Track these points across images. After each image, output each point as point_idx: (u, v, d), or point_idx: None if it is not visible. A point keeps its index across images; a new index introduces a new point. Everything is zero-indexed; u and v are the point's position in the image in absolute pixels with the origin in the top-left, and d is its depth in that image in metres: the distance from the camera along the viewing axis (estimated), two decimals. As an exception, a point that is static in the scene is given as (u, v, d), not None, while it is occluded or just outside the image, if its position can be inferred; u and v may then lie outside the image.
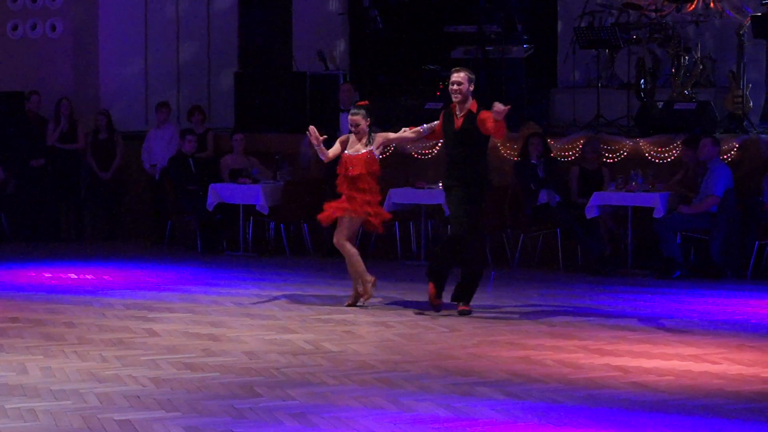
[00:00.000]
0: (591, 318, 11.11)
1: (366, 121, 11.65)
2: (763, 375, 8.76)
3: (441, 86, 17.42)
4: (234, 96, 17.60)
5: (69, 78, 17.78)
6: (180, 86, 18.81)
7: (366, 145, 11.59)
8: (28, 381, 8.58)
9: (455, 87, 11.09)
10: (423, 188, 14.65)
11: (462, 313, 11.20)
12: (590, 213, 13.89)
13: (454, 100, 11.17)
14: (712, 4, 16.05)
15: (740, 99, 15.23)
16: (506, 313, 11.37)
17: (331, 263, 14.76)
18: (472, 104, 11.13)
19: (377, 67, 18.62)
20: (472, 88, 11.15)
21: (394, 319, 11.03)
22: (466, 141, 11.08)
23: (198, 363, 9.19)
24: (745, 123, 15.12)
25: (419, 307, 11.53)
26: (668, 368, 8.96)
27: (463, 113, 11.13)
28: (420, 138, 11.81)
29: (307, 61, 18.24)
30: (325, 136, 11.75)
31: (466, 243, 11.15)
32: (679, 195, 13.88)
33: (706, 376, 8.74)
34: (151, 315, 11.23)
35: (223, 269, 14.25)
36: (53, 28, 17.84)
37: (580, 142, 14.96)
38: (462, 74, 11.11)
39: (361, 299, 11.65)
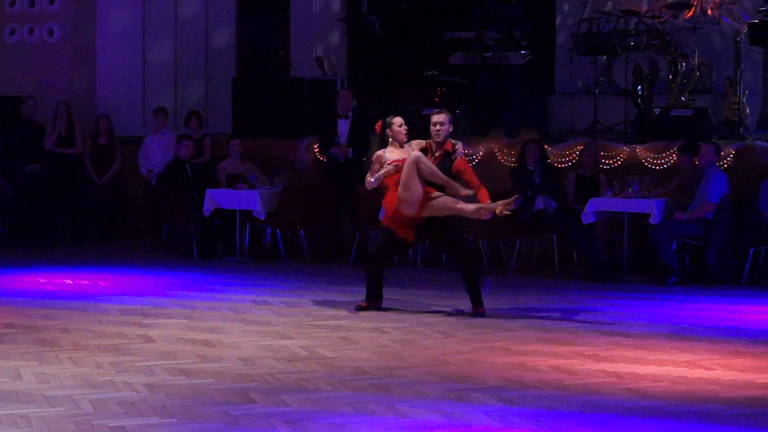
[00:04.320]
0: (586, 324, 11.11)
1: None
2: (757, 381, 8.77)
3: (439, 92, 17.45)
4: (231, 101, 17.60)
5: (66, 83, 17.79)
6: (177, 91, 18.81)
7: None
8: (22, 387, 8.56)
9: (437, 127, 11.47)
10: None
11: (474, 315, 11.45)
12: (587, 219, 13.90)
13: (434, 139, 11.54)
14: (709, 11, 16.08)
15: (737, 106, 15.26)
16: (502, 319, 11.37)
17: (326, 269, 14.77)
18: (447, 144, 11.53)
19: (375, 73, 18.63)
20: (451, 129, 11.54)
21: (389, 325, 11.02)
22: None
23: (193, 369, 9.18)
24: (741, 130, 15.15)
25: (414, 314, 11.60)
26: (663, 374, 8.97)
27: (440, 152, 11.53)
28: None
29: (305, 66, 18.25)
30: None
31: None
32: (675, 201, 13.88)
33: (701, 382, 8.74)
34: (146, 321, 11.22)
35: (219, 275, 14.25)
36: (51, 32, 17.86)
37: (577, 148, 14.97)
38: (443, 115, 11.52)
39: None
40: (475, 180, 11.48)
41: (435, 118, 11.50)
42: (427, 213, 11.31)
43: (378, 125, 11.74)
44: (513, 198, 11.32)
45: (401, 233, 11.50)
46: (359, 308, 11.74)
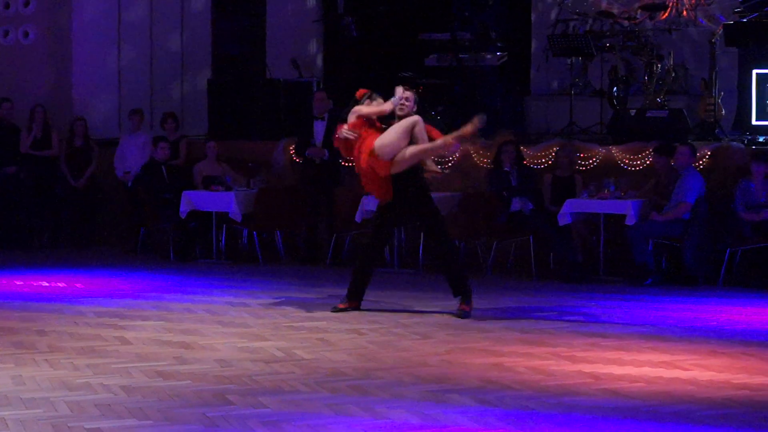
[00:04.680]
0: (563, 325, 11.13)
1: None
2: (733, 381, 8.79)
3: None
4: (207, 103, 17.57)
5: (42, 85, 17.73)
6: (153, 93, 18.76)
7: None
8: (-2, 389, 8.54)
9: (403, 102, 11.44)
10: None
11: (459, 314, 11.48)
12: (563, 220, 13.92)
13: (397, 113, 11.46)
14: (685, 13, 16.14)
15: (712, 107, 15.30)
16: (479, 320, 11.37)
17: (303, 271, 14.76)
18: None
19: (351, 75, 18.62)
20: (415, 108, 11.54)
21: (366, 327, 11.02)
22: None
23: (170, 371, 9.16)
24: (717, 131, 15.20)
25: (393, 315, 11.60)
26: (640, 375, 8.98)
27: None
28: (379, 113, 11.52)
29: (281, 68, 18.23)
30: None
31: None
32: (651, 202, 13.92)
33: (678, 382, 8.76)
34: (123, 323, 11.19)
35: (195, 277, 14.22)
36: (26, 34, 17.79)
37: (553, 149, 14.99)
38: (411, 93, 11.54)
39: None
40: (439, 135, 11.47)
41: (405, 93, 11.46)
42: (396, 167, 11.28)
43: (361, 92, 11.66)
44: (478, 117, 11.31)
45: (378, 194, 11.48)
46: (336, 309, 11.73)
